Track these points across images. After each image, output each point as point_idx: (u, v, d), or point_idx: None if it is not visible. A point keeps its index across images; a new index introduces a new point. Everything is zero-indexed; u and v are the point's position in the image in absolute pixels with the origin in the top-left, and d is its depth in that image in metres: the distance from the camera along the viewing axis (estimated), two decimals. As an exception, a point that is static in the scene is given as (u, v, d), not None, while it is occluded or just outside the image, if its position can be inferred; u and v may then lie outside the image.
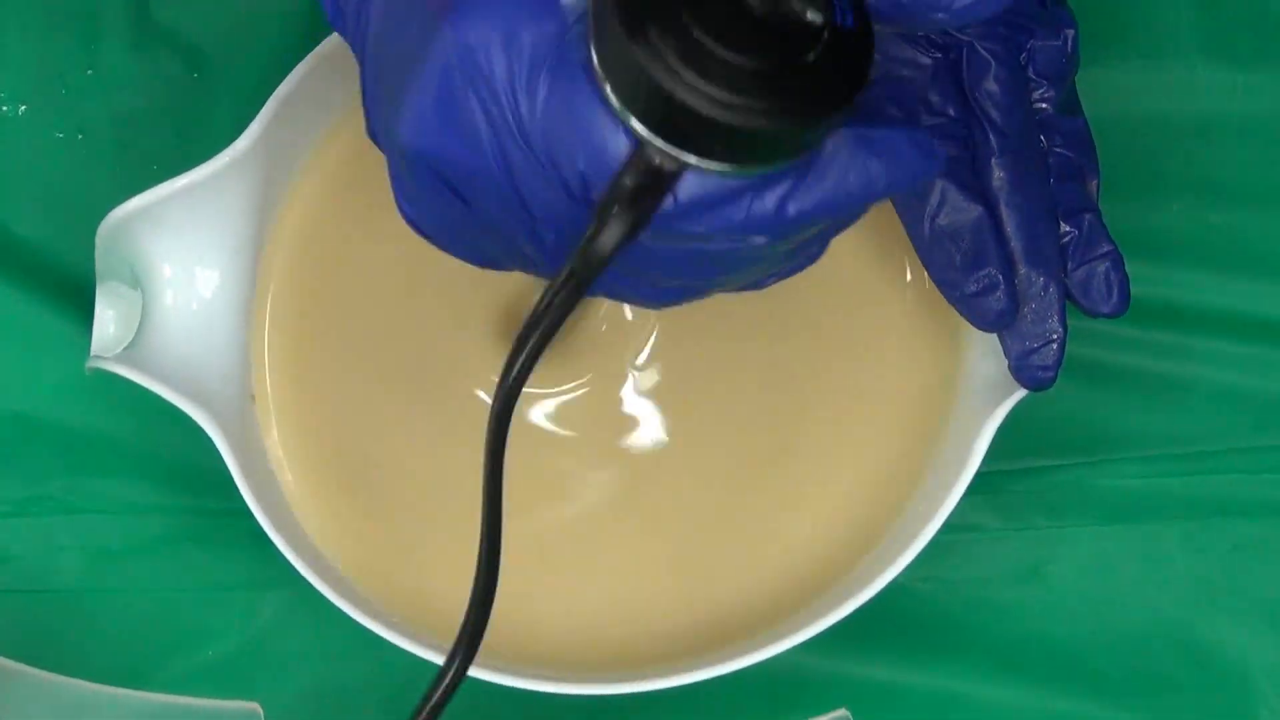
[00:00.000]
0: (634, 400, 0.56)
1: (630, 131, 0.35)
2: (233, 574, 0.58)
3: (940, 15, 0.37)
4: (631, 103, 0.35)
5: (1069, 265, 0.51)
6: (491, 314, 0.56)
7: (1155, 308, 0.59)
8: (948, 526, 0.51)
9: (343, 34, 0.42)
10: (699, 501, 0.56)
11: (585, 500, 0.56)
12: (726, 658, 0.51)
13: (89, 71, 0.61)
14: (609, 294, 0.42)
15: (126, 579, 0.58)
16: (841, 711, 0.54)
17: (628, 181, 0.35)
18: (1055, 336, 0.51)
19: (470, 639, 0.41)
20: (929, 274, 0.51)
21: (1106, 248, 0.51)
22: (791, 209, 0.36)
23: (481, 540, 0.40)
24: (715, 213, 0.36)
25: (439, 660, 0.51)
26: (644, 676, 0.52)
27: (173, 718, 0.55)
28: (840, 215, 0.38)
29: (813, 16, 0.35)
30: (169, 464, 0.59)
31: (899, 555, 0.51)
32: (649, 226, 0.36)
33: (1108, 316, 0.51)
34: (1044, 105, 0.52)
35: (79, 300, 0.58)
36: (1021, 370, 0.51)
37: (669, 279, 0.39)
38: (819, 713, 0.55)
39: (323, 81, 0.53)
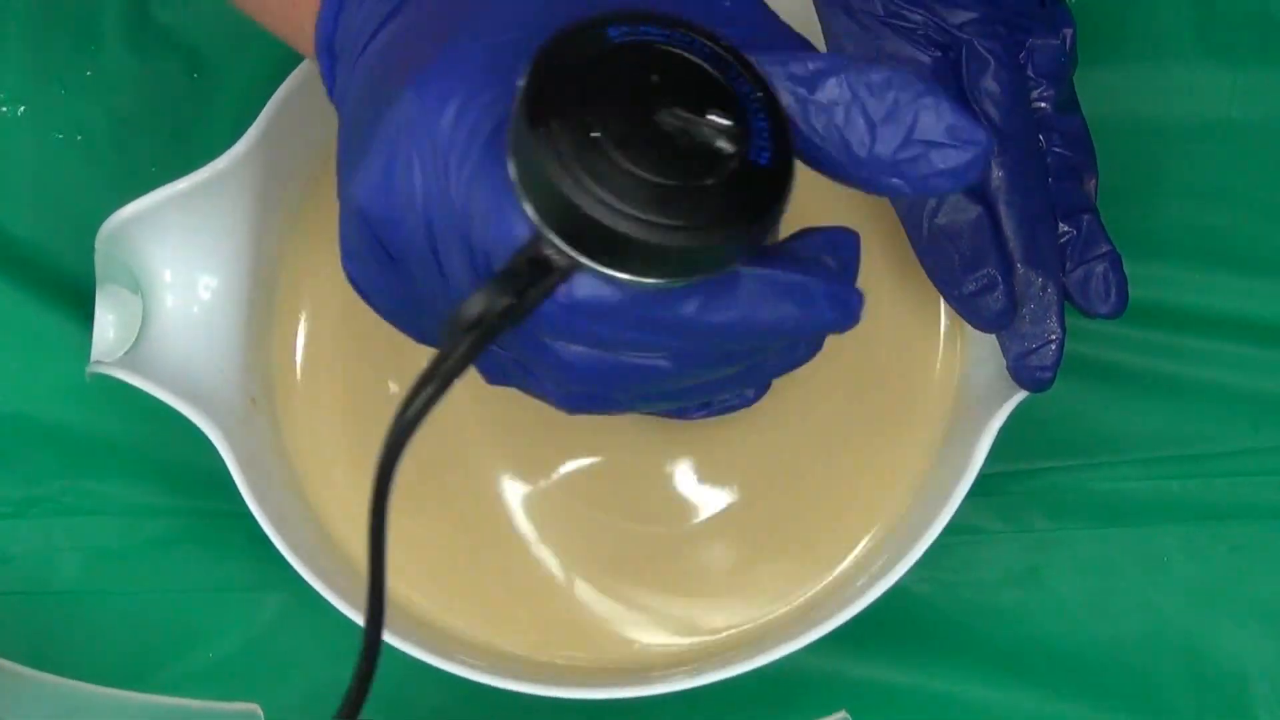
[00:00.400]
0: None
1: (529, 219, 0.35)
2: (232, 575, 0.58)
3: (896, 182, 0.36)
4: (528, 190, 0.35)
5: (1067, 265, 0.51)
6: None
7: (1155, 309, 0.59)
8: (947, 528, 0.51)
9: (334, 104, 0.42)
10: (699, 510, 0.56)
11: (583, 502, 0.56)
12: (729, 662, 0.51)
13: (88, 73, 0.61)
14: (521, 388, 0.42)
15: (126, 580, 0.58)
16: (841, 713, 0.54)
17: (518, 265, 0.35)
18: (1054, 337, 0.51)
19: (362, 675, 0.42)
20: (927, 274, 0.51)
21: (1105, 248, 0.51)
22: (695, 328, 0.36)
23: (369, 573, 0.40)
24: (612, 316, 0.36)
25: (439, 662, 0.51)
26: (646, 681, 0.52)
27: (172, 719, 0.55)
28: (744, 343, 0.38)
29: (723, 145, 0.35)
30: (168, 465, 0.59)
31: (901, 557, 0.51)
32: (543, 321, 0.36)
33: (1106, 317, 0.51)
34: (1042, 104, 0.52)
35: (78, 301, 0.58)
36: (1020, 371, 0.51)
37: (577, 385, 0.39)
38: (819, 714, 0.55)
39: (321, 84, 0.53)
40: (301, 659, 0.58)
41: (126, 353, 0.53)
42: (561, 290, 0.36)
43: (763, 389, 0.43)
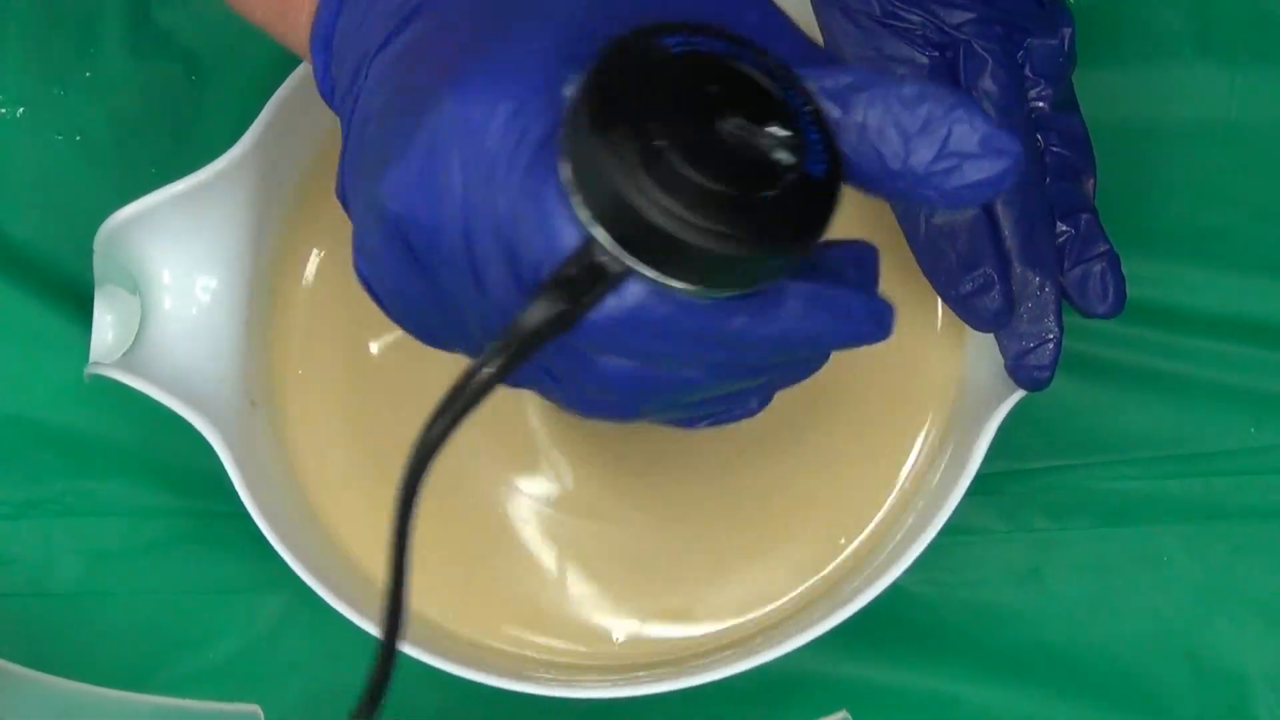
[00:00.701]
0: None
1: (584, 226, 0.35)
2: (233, 576, 0.58)
3: (931, 194, 0.36)
4: (587, 197, 0.35)
5: (1065, 265, 0.51)
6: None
7: (1154, 309, 0.59)
8: (946, 528, 0.51)
9: (330, 105, 0.42)
10: (698, 505, 0.56)
11: (581, 504, 0.56)
12: (727, 661, 0.51)
13: (88, 75, 0.61)
14: (540, 391, 0.41)
15: (126, 581, 0.58)
16: (841, 714, 0.54)
17: (569, 272, 0.35)
18: (1051, 336, 0.51)
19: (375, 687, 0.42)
20: (925, 274, 0.51)
21: (1103, 247, 0.51)
22: (739, 342, 0.37)
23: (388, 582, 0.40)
24: (658, 327, 0.36)
25: (439, 664, 0.51)
26: (646, 680, 0.52)
27: (172, 719, 0.55)
28: (778, 369, 0.39)
29: (782, 157, 0.35)
30: (168, 466, 0.59)
31: (899, 557, 0.51)
32: (587, 329, 0.36)
33: (1103, 316, 0.51)
34: (1040, 104, 0.52)
35: (78, 302, 0.58)
36: (1018, 370, 0.51)
37: (602, 393, 0.39)
38: (819, 714, 0.55)
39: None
40: (302, 660, 0.58)
41: (125, 354, 0.53)
42: (611, 301, 0.35)
43: (766, 400, 0.43)
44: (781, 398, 0.56)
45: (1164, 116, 0.60)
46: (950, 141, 0.36)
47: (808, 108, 0.36)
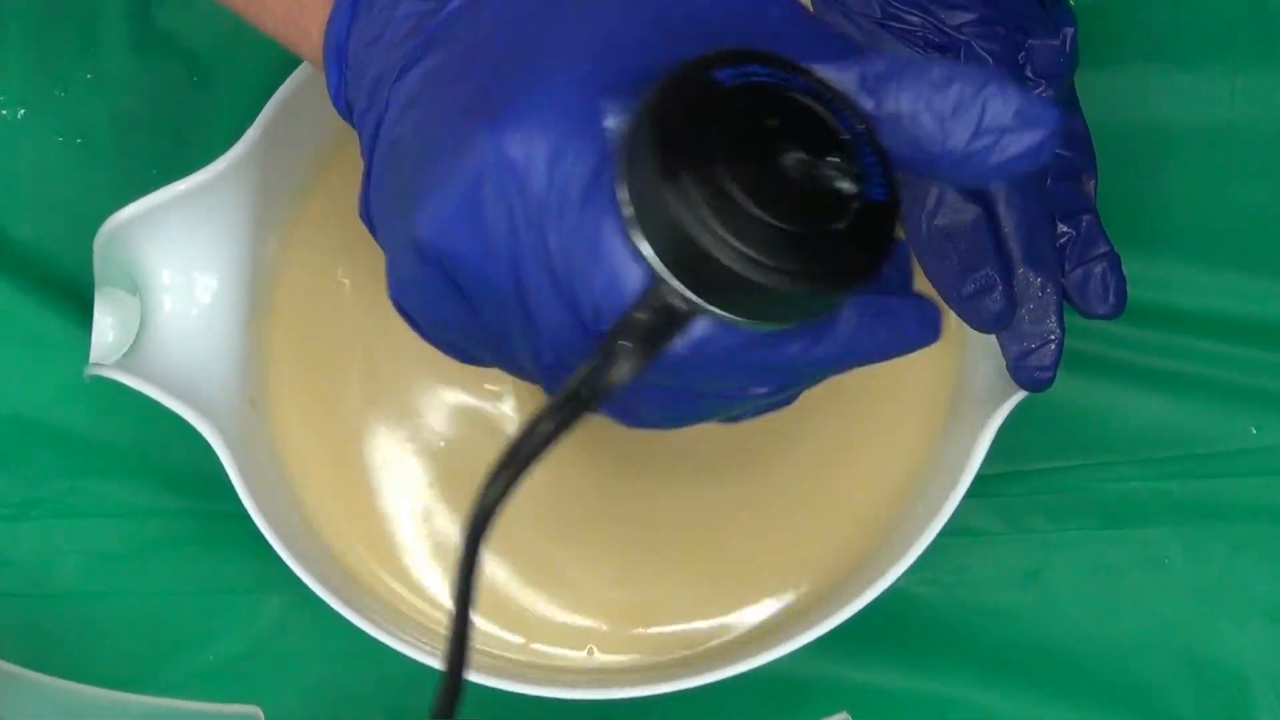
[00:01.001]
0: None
1: (649, 268, 0.35)
2: (233, 577, 0.58)
3: (972, 173, 0.36)
4: (654, 241, 0.34)
5: (1066, 266, 0.51)
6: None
7: (1155, 309, 0.59)
8: (946, 529, 0.51)
9: (345, 118, 0.42)
10: (699, 506, 0.56)
11: (582, 506, 0.56)
12: (729, 662, 0.51)
13: (88, 76, 0.61)
14: (605, 412, 0.41)
15: (126, 582, 0.58)
16: (841, 714, 0.54)
17: (641, 317, 0.35)
18: (1053, 337, 0.51)
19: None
20: (926, 276, 0.51)
21: (1104, 249, 0.51)
22: (798, 365, 0.36)
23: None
24: (722, 360, 0.36)
25: (440, 665, 0.51)
26: (646, 681, 0.52)
27: (173, 720, 0.55)
28: (836, 373, 0.38)
29: (845, 186, 0.35)
30: (169, 467, 0.59)
31: (900, 559, 0.51)
32: (656, 363, 0.35)
33: (1104, 318, 0.51)
34: None
35: (78, 303, 0.58)
36: (1019, 371, 0.51)
37: (656, 413, 0.39)
38: (819, 715, 0.55)
39: (321, 86, 0.53)
40: (302, 660, 0.58)
41: (125, 355, 0.53)
42: (678, 340, 0.35)
43: (803, 390, 0.43)
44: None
45: (1165, 118, 0.60)
46: (986, 118, 0.35)
47: (861, 128, 0.36)
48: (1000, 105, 0.35)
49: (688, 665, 0.54)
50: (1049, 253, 0.51)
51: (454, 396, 0.56)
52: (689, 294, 0.34)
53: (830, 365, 0.37)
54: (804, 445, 0.56)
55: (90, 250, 0.53)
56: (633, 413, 0.40)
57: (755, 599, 0.55)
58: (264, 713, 0.55)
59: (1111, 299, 0.51)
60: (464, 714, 0.56)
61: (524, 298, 0.36)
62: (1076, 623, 0.58)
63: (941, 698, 0.57)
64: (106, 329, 0.54)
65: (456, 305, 0.38)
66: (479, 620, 0.55)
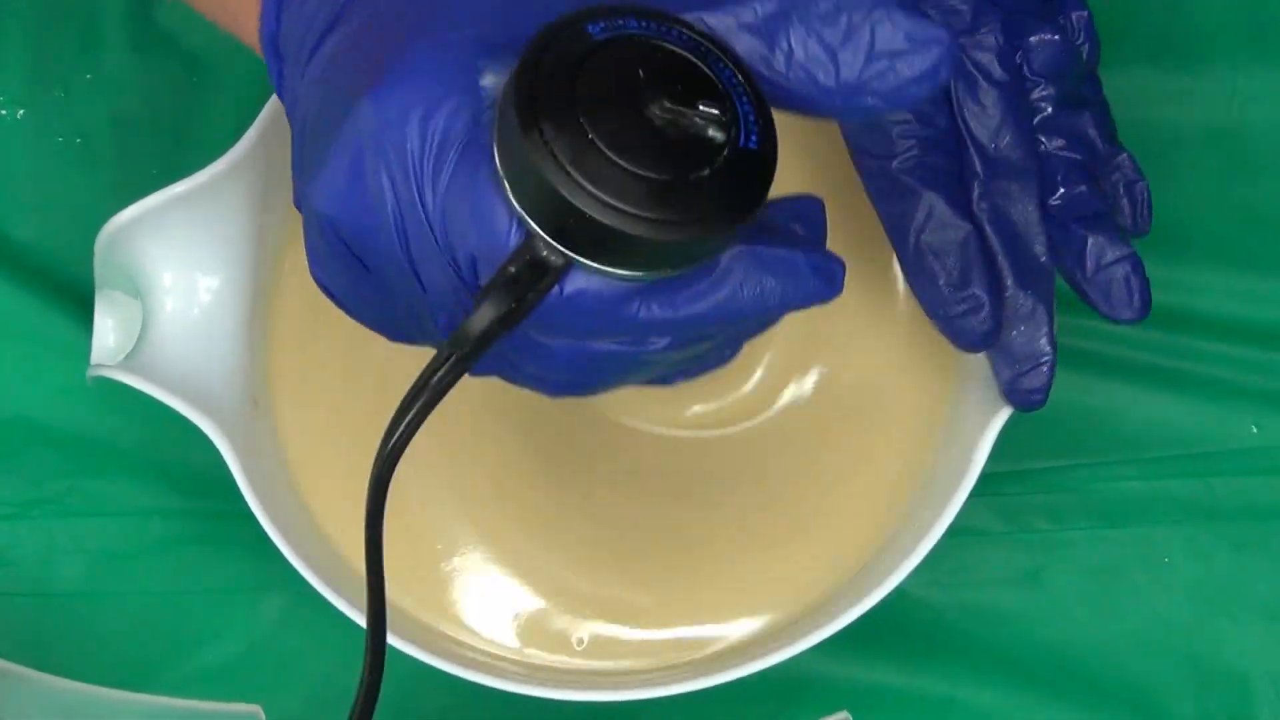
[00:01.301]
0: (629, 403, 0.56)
1: (521, 222, 0.35)
2: (234, 577, 0.58)
3: (871, 101, 0.36)
4: (522, 194, 0.35)
5: (1087, 270, 0.50)
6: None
7: (1156, 310, 0.58)
8: (947, 529, 0.51)
9: (281, 100, 0.42)
10: (704, 508, 0.56)
11: (582, 508, 0.56)
12: (731, 665, 0.51)
13: (88, 76, 0.61)
14: (505, 377, 0.41)
15: (128, 582, 0.58)
16: (842, 714, 0.54)
17: (513, 270, 0.35)
18: (1045, 359, 0.50)
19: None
20: (913, 291, 0.50)
21: (1124, 251, 0.50)
22: (679, 316, 0.36)
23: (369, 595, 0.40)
24: (600, 313, 0.36)
25: (440, 664, 0.51)
26: (647, 683, 0.52)
27: (174, 720, 0.55)
28: (735, 327, 0.38)
29: (714, 135, 0.35)
30: (170, 467, 0.59)
31: (904, 559, 0.51)
32: (532, 318, 0.36)
33: (1130, 322, 0.50)
34: (1044, 105, 0.51)
35: (79, 303, 0.58)
36: (1013, 394, 0.51)
37: (562, 374, 0.39)
38: (820, 715, 0.55)
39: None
40: (303, 660, 0.58)
41: (128, 355, 0.53)
42: (554, 293, 0.36)
43: (737, 349, 0.42)
44: (779, 399, 0.56)
45: (1165, 118, 0.60)
46: (876, 44, 0.35)
47: (737, 77, 0.36)
48: (888, 30, 0.35)
49: (689, 667, 0.54)
50: (1040, 271, 0.50)
51: (468, 387, 0.56)
52: (557, 245, 0.35)
53: (719, 316, 0.37)
54: (803, 447, 0.56)
55: (90, 250, 0.53)
56: (541, 379, 0.40)
57: (757, 601, 0.55)
58: (265, 712, 0.55)
59: (1136, 302, 0.50)
60: (440, 701, 0.56)
61: (411, 259, 0.37)
62: (1077, 622, 0.58)
63: (942, 697, 0.57)
64: (107, 331, 0.54)
65: (363, 277, 0.39)
66: (479, 626, 0.56)
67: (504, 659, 0.55)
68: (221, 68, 0.61)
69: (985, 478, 0.52)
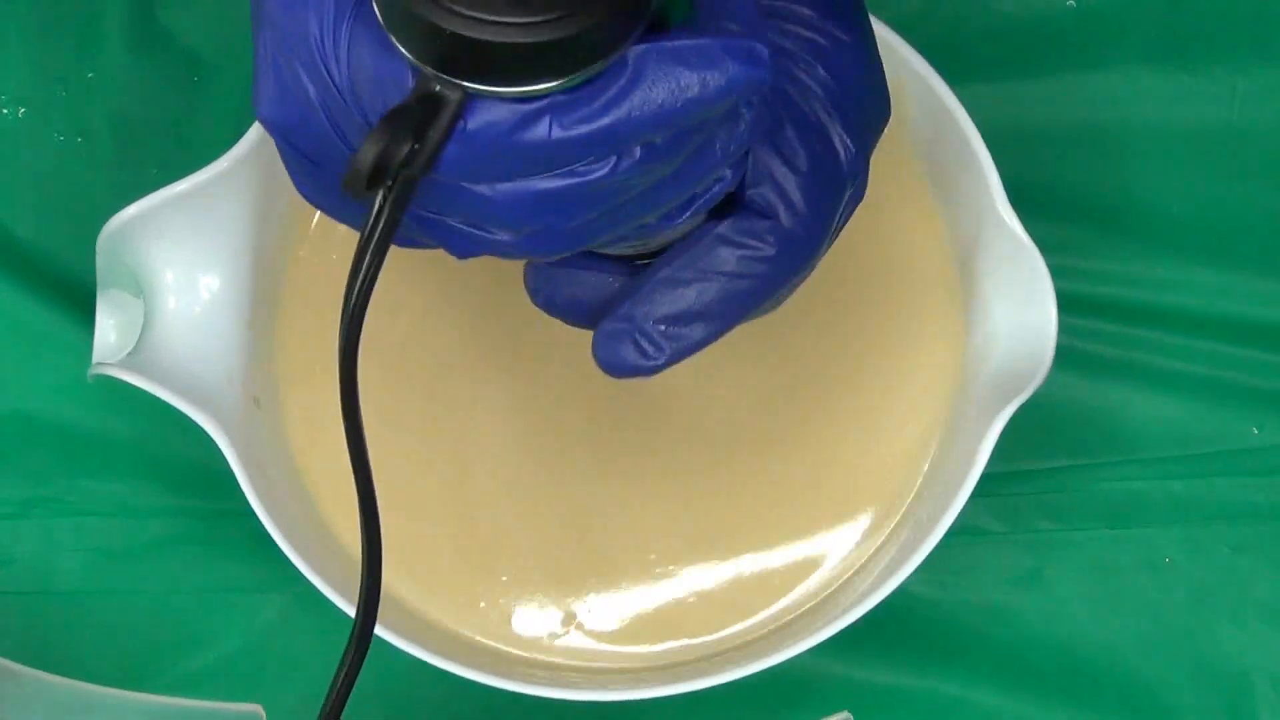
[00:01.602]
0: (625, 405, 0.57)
1: (410, 65, 0.34)
2: (234, 576, 0.58)
3: None
4: (404, 38, 0.34)
5: None
6: (504, 308, 0.56)
7: (1157, 310, 0.59)
8: (949, 529, 0.51)
9: None
10: (704, 509, 0.56)
11: (582, 507, 0.56)
12: (731, 664, 0.51)
13: (89, 75, 0.61)
14: (490, 253, 0.39)
15: (127, 580, 0.58)
16: (843, 714, 0.54)
17: (413, 108, 0.34)
18: None
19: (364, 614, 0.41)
20: None
21: None
22: (597, 129, 0.35)
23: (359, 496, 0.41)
24: (513, 140, 0.34)
25: (442, 664, 0.51)
26: (648, 682, 0.52)
27: (174, 719, 0.55)
28: (663, 128, 0.36)
29: None
30: (170, 465, 0.59)
31: (905, 560, 0.51)
32: (451, 164, 0.35)
33: None
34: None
35: (79, 301, 0.58)
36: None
37: (516, 223, 0.37)
38: (821, 715, 0.55)
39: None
40: (304, 659, 0.58)
41: (129, 354, 0.53)
42: (458, 127, 0.34)
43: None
44: (780, 401, 0.56)
45: (1165, 118, 0.60)
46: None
47: None
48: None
49: (690, 667, 0.54)
50: None
51: (462, 390, 0.56)
52: (444, 77, 0.34)
53: (639, 120, 0.35)
54: (803, 448, 0.56)
55: (91, 248, 0.53)
56: (501, 243, 0.38)
57: (757, 601, 0.55)
58: (265, 711, 0.55)
59: None
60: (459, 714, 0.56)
61: (348, 144, 0.37)
62: (1078, 622, 0.58)
63: (943, 697, 0.57)
64: (108, 330, 0.54)
65: (323, 179, 0.39)
66: (476, 633, 0.56)
67: (504, 656, 0.55)
68: (223, 67, 0.60)
69: (986, 478, 0.52)
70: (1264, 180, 0.60)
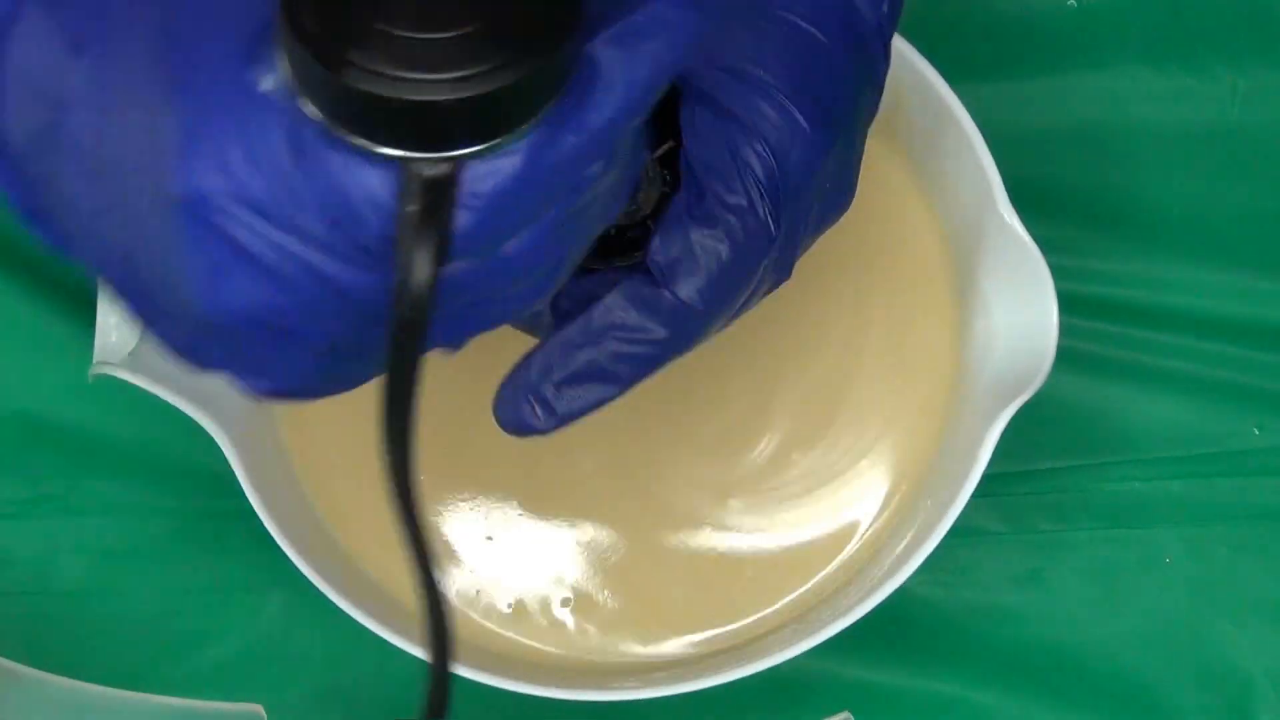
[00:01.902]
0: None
1: (381, 158, 0.31)
2: (235, 575, 0.58)
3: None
4: (367, 132, 0.31)
5: None
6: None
7: (1158, 310, 0.59)
8: (950, 529, 0.51)
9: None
10: (705, 510, 0.56)
11: (583, 508, 0.56)
12: (732, 665, 0.51)
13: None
14: (483, 323, 0.37)
15: (129, 580, 0.58)
16: (844, 715, 0.54)
17: (412, 208, 0.31)
18: None
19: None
20: None
21: None
22: (598, 127, 0.33)
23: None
24: (521, 184, 0.32)
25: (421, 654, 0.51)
26: (649, 682, 0.52)
27: (176, 719, 0.55)
28: (648, 100, 0.34)
29: None
30: (171, 465, 0.59)
31: (906, 560, 0.51)
32: (460, 238, 0.32)
33: None
34: None
35: (81, 302, 0.58)
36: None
37: (538, 267, 0.35)
38: (822, 715, 0.55)
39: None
40: (304, 659, 0.58)
41: (131, 353, 0.53)
42: (472, 194, 0.32)
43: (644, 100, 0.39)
44: (780, 402, 0.56)
45: (1167, 118, 0.60)
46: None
47: None
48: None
49: (691, 667, 0.54)
50: None
51: (466, 389, 0.56)
52: (429, 156, 0.31)
53: (627, 106, 0.33)
54: (804, 449, 0.56)
55: (92, 248, 0.53)
56: (514, 296, 0.36)
57: (758, 602, 0.55)
58: (266, 711, 0.55)
59: None
60: (459, 714, 0.56)
61: (343, 291, 0.33)
62: (1079, 622, 0.58)
63: (944, 697, 0.57)
64: (110, 329, 0.54)
65: (311, 348, 0.35)
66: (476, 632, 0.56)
67: (504, 655, 0.55)
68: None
69: (987, 478, 0.52)
70: (1264, 180, 0.60)
